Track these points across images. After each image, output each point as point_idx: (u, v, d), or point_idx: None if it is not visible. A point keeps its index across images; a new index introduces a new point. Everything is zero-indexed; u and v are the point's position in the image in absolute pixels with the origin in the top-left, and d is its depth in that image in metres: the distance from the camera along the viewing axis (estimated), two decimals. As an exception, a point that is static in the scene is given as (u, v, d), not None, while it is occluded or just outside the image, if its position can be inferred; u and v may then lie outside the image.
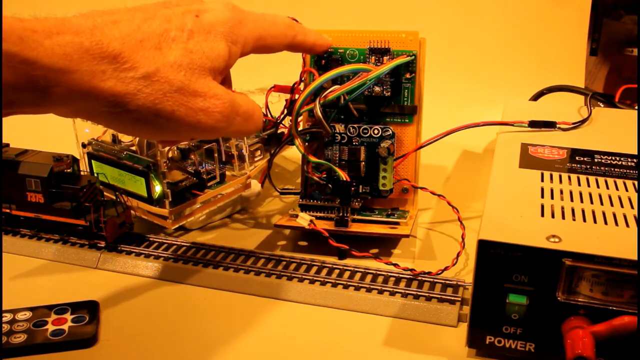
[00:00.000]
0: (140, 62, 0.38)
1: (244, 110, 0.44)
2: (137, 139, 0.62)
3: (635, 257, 0.38)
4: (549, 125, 0.61)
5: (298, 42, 0.51)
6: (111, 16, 0.38)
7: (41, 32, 0.35)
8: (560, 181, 0.50)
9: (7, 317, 0.49)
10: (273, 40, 0.48)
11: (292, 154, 0.74)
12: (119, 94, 0.37)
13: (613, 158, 0.55)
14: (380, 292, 0.52)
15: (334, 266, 0.55)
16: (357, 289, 0.52)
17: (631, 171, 0.52)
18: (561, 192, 0.48)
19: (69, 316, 0.49)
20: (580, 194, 0.48)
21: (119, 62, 0.37)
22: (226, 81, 0.46)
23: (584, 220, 0.44)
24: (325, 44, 0.56)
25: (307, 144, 0.61)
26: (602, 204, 0.46)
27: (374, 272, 0.54)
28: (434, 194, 0.59)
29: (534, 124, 0.61)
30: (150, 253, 0.58)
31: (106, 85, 0.37)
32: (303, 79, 0.61)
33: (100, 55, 0.36)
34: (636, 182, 0.50)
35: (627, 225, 0.43)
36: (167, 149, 0.61)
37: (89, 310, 0.50)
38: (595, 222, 0.43)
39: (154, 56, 0.38)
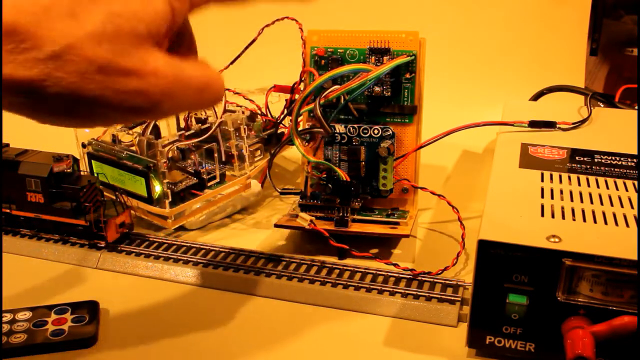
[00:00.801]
0: (45, 37, 0.29)
1: (196, 83, 0.34)
2: (137, 139, 0.62)
3: (635, 257, 0.38)
4: (549, 125, 0.61)
5: None
6: None
7: None
8: (560, 181, 0.50)
9: (7, 317, 0.49)
10: None
11: (292, 154, 0.74)
12: (23, 80, 0.29)
13: (613, 158, 0.55)
14: (380, 292, 0.52)
15: (334, 266, 0.55)
16: (357, 289, 0.52)
17: (631, 171, 0.52)
18: (561, 192, 0.48)
19: (69, 316, 0.49)
20: (580, 194, 0.48)
21: (16, 40, 0.28)
22: (182, 44, 0.37)
23: (584, 220, 0.44)
24: None
25: (307, 144, 0.61)
26: (602, 204, 0.46)
27: (374, 272, 0.54)
28: (434, 194, 0.59)
29: (534, 124, 0.61)
30: (150, 253, 0.58)
31: (7, 70, 0.29)
32: (303, 79, 0.61)
33: None
34: (636, 182, 0.50)
35: (627, 225, 0.43)
36: (167, 149, 0.61)
37: (89, 310, 0.50)
38: (595, 222, 0.43)
39: (66, 27, 0.29)
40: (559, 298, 0.40)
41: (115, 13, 0.30)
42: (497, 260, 0.40)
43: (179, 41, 0.36)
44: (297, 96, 0.60)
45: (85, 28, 0.30)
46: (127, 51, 0.31)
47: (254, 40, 0.61)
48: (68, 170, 0.59)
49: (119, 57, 0.30)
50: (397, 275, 0.54)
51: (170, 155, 0.62)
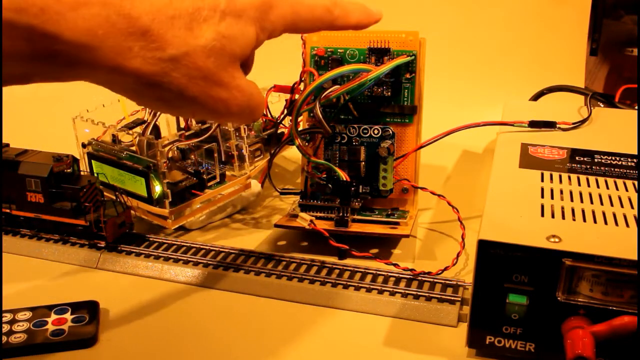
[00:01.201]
0: (169, 42, 0.35)
1: (255, 104, 0.42)
2: (137, 139, 0.62)
3: (635, 257, 0.38)
4: (549, 125, 0.61)
5: (337, 27, 0.45)
6: None
7: (65, 2, 0.32)
8: (560, 181, 0.50)
9: (7, 317, 0.49)
10: (307, 25, 0.44)
11: (292, 154, 0.74)
12: (145, 74, 0.35)
13: (613, 158, 0.55)
14: (380, 292, 0.52)
15: (334, 266, 0.55)
16: (357, 289, 0.52)
17: (631, 171, 0.52)
18: (561, 192, 0.48)
19: (69, 316, 0.49)
20: (580, 194, 0.48)
21: (147, 39, 0.34)
22: (247, 64, 0.44)
23: (584, 220, 0.44)
24: (370, 22, 0.48)
25: (307, 144, 0.61)
26: (602, 204, 0.46)
27: (374, 272, 0.54)
28: (434, 194, 0.59)
29: (534, 124, 0.61)
30: (150, 253, 0.58)
31: (132, 64, 0.34)
32: (303, 79, 0.61)
33: (128, 31, 0.34)
34: (636, 182, 0.50)
35: (627, 225, 0.43)
36: (167, 149, 0.61)
37: (89, 310, 0.50)
38: (595, 222, 0.43)
39: (185, 37, 0.35)
40: (559, 298, 0.40)
41: (222, 34, 0.37)
42: (497, 260, 0.40)
43: (248, 59, 0.43)
44: (297, 96, 0.60)
45: (199, 41, 0.36)
46: (224, 66, 0.38)
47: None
48: (68, 170, 0.59)
49: (219, 70, 0.37)
50: (397, 275, 0.54)
51: (170, 155, 0.62)
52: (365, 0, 0.47)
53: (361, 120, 0.60)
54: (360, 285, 0.53)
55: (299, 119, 0.61)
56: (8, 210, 0.61)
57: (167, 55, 0.35)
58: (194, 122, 0.67)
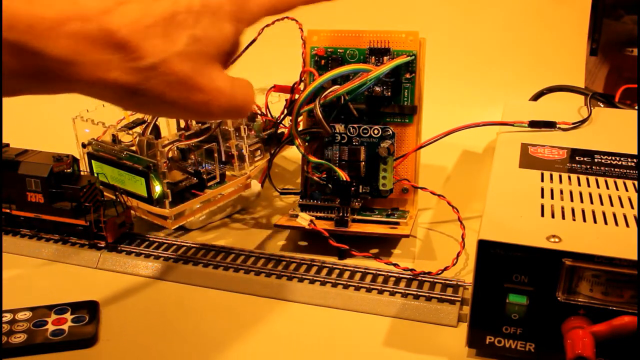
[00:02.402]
0: (147, 51, 0.35)
1: (239, 103, 0.41)
2: (137, 138, 0.62)
3: (635, 257, 0.38)
4: (549, 125, 0.61)
5: (313, 2, 0.45)
6: None
7: (49, 18, 0.33)
8: (560, 181, 0.50)
9: (7, 317, 0.49)
10: (285, 6, 0.43)
11: (292, 154, 0.74)
12: (124, 84, 0.36)
13: (613, 158, 0.55)
14: (380, 292, 0.52)
15: (334, 266, 0.55)
16: (357, 289, 0.52)
17: (631, 171, 0.52)
18: (561, 192, 0.48)
19: (69, 316, 0.49)
20: (580, 194, 0.48)
21: (127, 51, 0.35)
22: (233, 51, 0.43)
23: (584, 220, 0.44)
24: None
25: (307, 144, 0.61)
26: (602, 204, 0.46)
27: (374, 272, 0.54)
28: (434, 194, 0.59)
29: (534, 124, 0.61)
30: (150, 253, 0.58)
31: (111, 76, 0.35)
32: (303, 79, 0.61)
33: (107, 44, 0.34)
34: (636, 182, 0.50)
35: (627, 225, 0.43)
36: (167, 149, 0.61)
37: (89, 310, 0.50)
38: (595, 222, 0.43)
39: (161, 44, 0.36)
40: (559, 298, 0.40)
41: (197, 37, 0.37)
42: (497, 260, 0.40)
43: (233, 49, 0.42)
44: (297, 96, 0.60)
45: (175, 47, 0.36)
46: (201, 70, 0.38)
47: (254, 41, 0.61)
48: (68, 170, 0.59)
49: (196, 74, 0.37)
50: (397, 275, 0.54)
51: (170, 155, 0.62)
52: None
53: (361, 120, 0.60)
54: (360, 285, 0.53)
55: (299, 119, 0.61)
56: (8, 210, 0.61)
57: (144, 64, 0.36)
58: (194, 122, 0.67)
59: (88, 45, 0.34)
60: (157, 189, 0.59)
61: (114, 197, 0.60)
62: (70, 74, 0.34)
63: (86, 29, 0.34)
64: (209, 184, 0.63)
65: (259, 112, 0.67)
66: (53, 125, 0.61)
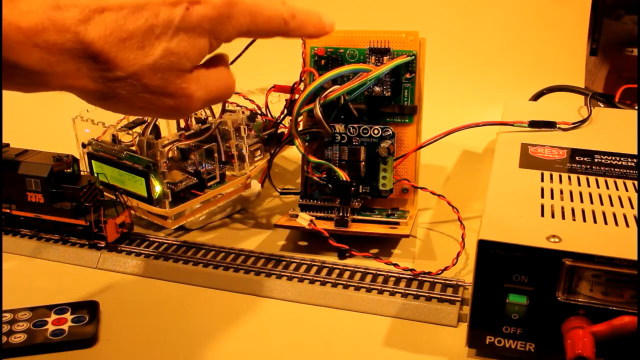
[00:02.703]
0: (118, 64, 0.36)
1: (215, 95, 0.42)
2: (137, 139, 0.62)
3: (635, 257, 0.38)
4: (549, 125, 0.61)
5: (290, 36, 0.46)
6: (101, 0, 0.36)
7: (25, 29, 0.33)
8: (560, 181, 0.50)
9: (7, 317, 0.49)
10: (261, 34, 0.44)
11: (292, 154, 0.74)
12: (92, 90, 0.37)
13: (613, 158, 0.55)
14: (380, 292, 0.52)
15: (334, 266, 0.55)
16: (357, 289, 0.52)
17: (631, 171, 0.52)
18: (561, 192, 0.48)
19: (69, 316, 0.49)
20: (580, 194, 0.48)
21: (99, 62, 0.36)
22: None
23: (584, 220, 0.44)
24: (322, 34, 0.49)
25: (307, 144, 0.61)
26: (602, 204, 0.46)
27: (374, 272, 0.54)
28: (434, 194, 0.59)
29: (534, 124, 0.61)
30: (151, 253, 0.58)
31: (79, 83, 0.36)
32: (303, 79, 0.61)
33: (80, 56, 0.35)
34: (636, 182, 0.50)
35: (627, 225, 0.43)
36: (167, 149, 0.61)
37: (89, 310, 0.50)
38: (595, 222, 0.43)
39: (134, 57, 0.36)
40: (559, 298, 0.40)
41: (171, 50, 0.37)
42: (497, 260, 0.40)
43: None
44: (297, 96, 0.60)
45: (148, 59, 0.37)
46: (172, 80, 0.38)
47: (254, 40, 0.61)
48: (68, 170, 0.59)
49: (165, 84, 0.38)
50: (397, 275, 0.54)
51: (170, 155, 0.62)
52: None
53: (361, 120, 0.60)
54: (360, 285, 0.53)
55: (299, 119, 0.61)
56: (8, 210, 0.61)
57: (114, 75, 0.36)
58: (194, 122, 0.67)
59: (61, 56, 0.34)
60: (157, 189, 0.59)
61: (114, 197, 0.60)
62: (39, 82, 0.35)
63: (60, 41, 0.34)
64: (209, 184, 0.63)
65: (259, 112, 0.67)
66: (53, 125, 0.61)
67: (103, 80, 0.36)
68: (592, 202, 0.46)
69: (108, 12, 0.36)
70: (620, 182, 0.50)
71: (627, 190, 0.49)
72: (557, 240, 0.40)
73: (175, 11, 0.38)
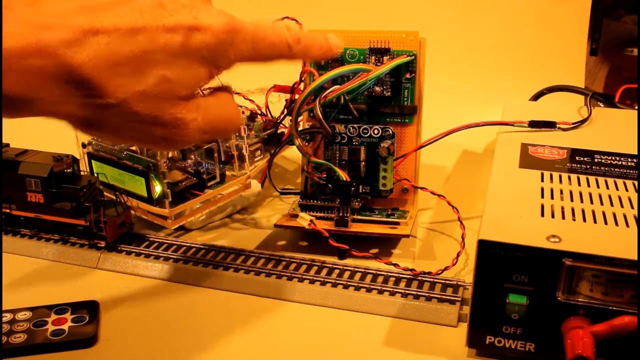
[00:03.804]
0: (108, 91, 0.33)
1: (215, 127, 0.39)
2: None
3: (635, 257, 0.38)
4: (549, 125, 0.61)
5: (295, 60, 0.44)
6: (94, 20, 0.33)
7: (7, 49, 0.31)
8: (560, 181, 0.50)
9: (7, 317, 0.49)
10: (263, 60, 0.41)
11: (292, 154, 0.74)
12: (79, 117, 0.35)
13: (613, 158, 0.55)
14: (380, 292, 0.52)
15: (334, 266, 0.55)
16: (357, 289, 0.52)
17: (631, 171, 0.52)
18: (561, 192, 0.48)
19: (69, 316, 0.49)
20: (580, 194, 0.48)
21: (86, 87, 0.33)
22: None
23: (584, 220, 0.44)
24: (328, 57, 0.48)
25: (307, 144, 0.61)
26: (602, 204, 0.46)
27: (374, 272, 0.54)
28: (434, 194, 0.59)
29: (534, 124, 0.61)
30: (150, 253, 0.58)
31: (64, 109, 0.34)
32: (303, 79, 0.61)
33: (66, 80, 0.32)
34: (636, 182, 0.50)
35: (627, 225, 0.43)
36: (167, 149, 0.61)
37: (89, 310, 0.50)
38: (595, 222, 0.43)
39: (126, 84, 0.34)
40: (559, 298, 0.40)
41: (167, 78, 0.35)
42: (497, 260, 0.40)
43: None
44: (297, 96, 0.60)
45: (140, 86, 0.34)
46: (164, 109, 0.36)
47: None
48: (68, 170, 0.59)
49: (156, 112, 0.36)
50: (397, 275, 0.54)
51: (170, 155, 0.62)
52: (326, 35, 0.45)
53: (361, 120, 0.60)
54: (360, 285, 0.53)
55: (299, 119, 0.61)
56: (8, 210, 0.61)
57: (103, 102, 0.34)
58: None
59: (44, 81, 0.32)
60: (157, 189, 0.59)
61: (114, 197, 0.60)
62: (20, 108, 0.33)
63: (45, 64, 0.32)
64: (209, 184, 0.63)
65: (259, 112, 0.67)
66: (53, 125, 0.60)
67: (91, 107, 0.34)
68: (592, 202, 0.46)
69: (101, 34, 0.33)
70: (620, 182, 0.50)
71: (627, 190, 0.49)
72: (557, 240, 0.40)
73: (173, 37, 0.35)
